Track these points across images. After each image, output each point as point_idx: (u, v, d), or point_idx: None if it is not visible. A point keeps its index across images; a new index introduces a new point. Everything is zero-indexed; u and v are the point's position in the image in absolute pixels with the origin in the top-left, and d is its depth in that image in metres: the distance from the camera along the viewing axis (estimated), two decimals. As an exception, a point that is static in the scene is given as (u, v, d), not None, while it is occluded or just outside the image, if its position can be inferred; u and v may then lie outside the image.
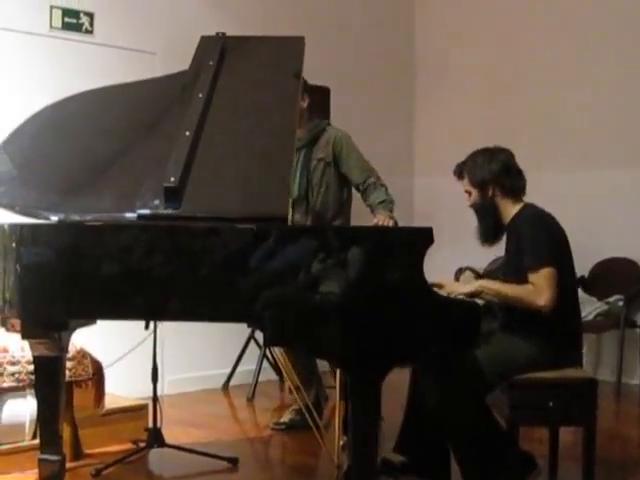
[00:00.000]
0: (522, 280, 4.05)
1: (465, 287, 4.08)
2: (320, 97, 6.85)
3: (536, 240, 4.08)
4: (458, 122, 8.26)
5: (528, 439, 4.57)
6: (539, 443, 4.71)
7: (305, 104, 5.34)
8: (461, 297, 3.91)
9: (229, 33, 4.49)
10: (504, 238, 4.33)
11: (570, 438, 4.76)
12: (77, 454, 4.83)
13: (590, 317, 6.79)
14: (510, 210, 4.26)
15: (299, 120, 4.89)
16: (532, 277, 4.01)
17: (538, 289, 3.99)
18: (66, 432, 4.54)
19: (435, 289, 3.73)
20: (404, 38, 8.64)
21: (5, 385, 4.53)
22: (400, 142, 8.60)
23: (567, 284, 4.12)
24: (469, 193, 4.33)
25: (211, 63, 4.23)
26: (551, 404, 4.02)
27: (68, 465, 4.29)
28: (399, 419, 4.43)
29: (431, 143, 8.53)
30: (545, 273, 3.99)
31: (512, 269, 4.22)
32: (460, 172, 4.36)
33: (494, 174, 4.24)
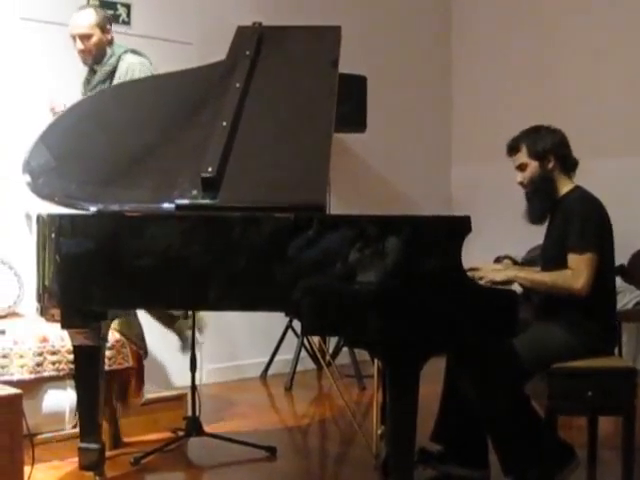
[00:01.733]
0: (560, 265, 4.04)
1: (497, 274, 4.06)
2: (357, 86, 6.84)
3: (585, 222, 4.05)
4: (496, 109, 8.19)
5: (567, 427, 4.55)
6: (578, 432, 4.68)
7: (109, 37, 5.20)
8: (499, 285, 3.91)
9: (265, 23, 4.49)
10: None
11: (609, 427, 4.74)
12: (116, 443, 4.87)
13: (630, 305, 6.73)
14: (563, 187, 4.23)
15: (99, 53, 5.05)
16: (573, 258, 4.00)
17: (576, 272, 3.97)
18: (105, 421, 4.56)
19: (470, 273, 3.72)
20: (441, 24, 8.59)
21: (45, 374, 4.56)
22: (438, 130, 8.56)
23: (607, 272, 4.10)
24: (523, 167, 4.27)
25: (248, 53, 4.24)
26: (590, 393, 3.99)
27: (107, 454, 4.34)
28: (436, 408, 4.42)
29: (469, 131, 8.48)
30: (587, 257, 3.98)
31: (551, 249, 4.21)
32: (516, 145, 4.30)
33: (556, 145, 4.22)
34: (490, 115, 8.25)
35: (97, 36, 5.10)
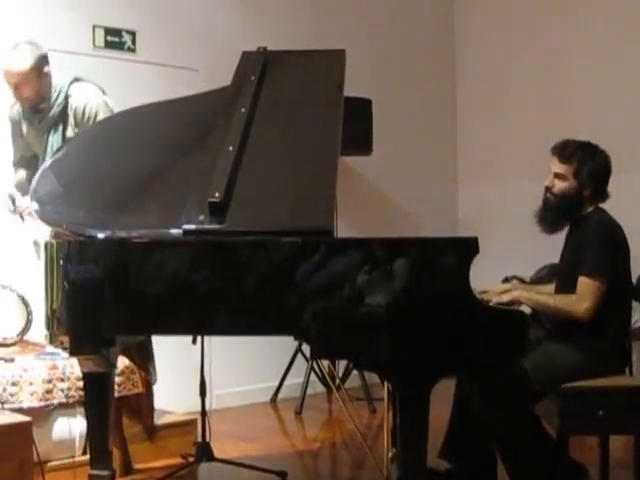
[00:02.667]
0: (573, 287, 4.03)
1: (503, 296, 4.05)
2: (362, 109, 6.86)
3: (600, 248, 4.06)
4: (501, 129, 8.21)
5: (579, 447, 4.53)
6: (590, 451, 4.66)
7: (48, 77, 4.91)
8: (506, 306, 3.91)
9: (270, 47, 4.51)
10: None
11: (621, 446, 4.72)
12: (127, 469, 4.86)
13: (638, 324, 6.72)
14: (585, 207, 4.23)
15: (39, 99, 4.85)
16: (582, 281, 4.01)
17: (581, 297, 3.98)
18: (116, 448, 4.56)
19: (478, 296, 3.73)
20: (444, 46, 8.62)
21: (55, 401, 4.56)
22: (443, 149, 8.57)
23: (622, 294, 4.10)
24: (560, 178, 4.22)
25: (253, 78, 4.25)
26: (601, 413, 3.98)
27: (118, 480, 4.33)
28: (444, 428, 4.41)
29: (474, 151, 8.49)
30: (595, 284, 3.98)
31: (567, 271, 4.21)
32: (567, 155, 4.22)
33: (600, 175, 4.20)
34: (495, 135, 8.26)
35: (35, 81, 4.82)
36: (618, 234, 4.14)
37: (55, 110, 4.89)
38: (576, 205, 4.22)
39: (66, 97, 4.90)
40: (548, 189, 4.27)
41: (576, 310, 3.97)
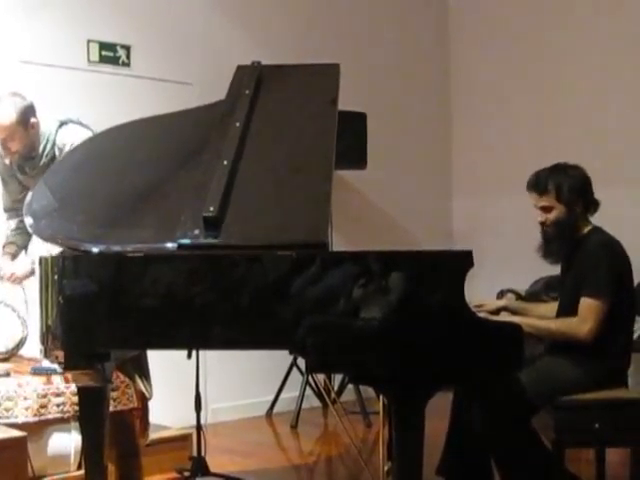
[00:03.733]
0: (572, 303, 4.04)
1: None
2: (356, 122, 6.87)
3: (603, 270, 4.05)
4: (496, 143, 8.23)
5: (575, 460, 4.53)
6: (586, 464, 4.66)
7: (35, 128, 4.80)
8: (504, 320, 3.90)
9: (264, 61, 4.51)
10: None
11: (617, 459, 4.72)
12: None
13: (635, 336, 6.72)
14: (582, 227, 4.23)
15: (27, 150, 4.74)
16: (584, 302, 4.01)
17: (582, 319, 3.98)
18: (111, 462, 4.54)
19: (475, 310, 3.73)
20: (440, 62, 8.64)
21: (50, 417, 4.54)
22: (438, 165, 8.59)
23: (624, 314, 4.10)
24: (547, 210, 4.23)
25: (247, 92, 4.25)
26: (597, 425, 3.98)
27: (114, 495, 4.31)
28: (441, 443, 4.41)
29: (469, 165, 8.51)
30: (597, 305, 3.98)
31: (569, 295, 4.19)
32: (544, 187, 4.21)
33: (582, 188, 4.20)
34: (490, 148, 8.28)
35: (22, 134, 4.73)
36: (619, 253, 4.14)
37: (44, 160, 4.79)
38: (574, 226, 4.22)
39: (53, 145, 4.80)
40: (543, 224, 4.28)
41: (578, 333, 3.98)
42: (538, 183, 4.25)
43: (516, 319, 4.07)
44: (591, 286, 4.03)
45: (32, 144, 4.79)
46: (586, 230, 4.23)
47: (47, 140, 4.80)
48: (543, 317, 4.28)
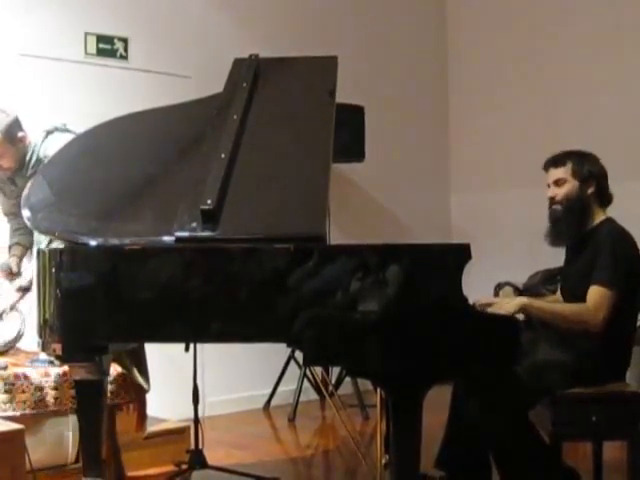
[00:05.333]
0: (579, 292, 4.03)
1: (508, 307, 3.99)
2: (354, 116, 6.86)
3: (617, 259, 4.02)
4: (494, 137, 8.23)
5: (572, 453, 4.53)
6: (583, 457, 4.66)
7: (22, 142, 4.76)
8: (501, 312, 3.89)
9: (262, 54, 4.51)
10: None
11: (614, 452, 4.71)
12: (120, 478, 4.84)
13: (633, 329, 6.73)
14: (595, 216, 4.20)
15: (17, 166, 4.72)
16: (597, 291, 3.97)
17: (597, 307, 3.94)
18: (108, 455, 4.54)
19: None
20: (438, 55, 8.64)
21: (48, 409, 4.54)
22: (436, 158, 8.59)
23: (630, 306, 4.09)
24: (560, 184, 4.20)
25: (245, 85, 4.25)
26: (594, 419, 3.98)
27: (111, 488, 4.32)
28: (440, 436, 4.41)
29: (467, 159, 8.51)
30: (611, 295, 3.95)
31: (579, 280, 4.14)
32: (562, 160, 4.21)
33: (601, 173, 4.20)
34: (488, 143, 8.28)
35: (11, 150, 4.71)
36: (632, 244, 4.12)
37: (31, 172, 4.71)
38: (585, 205, 4.19)
39: (38, 160, 4.74)
40: (552, 200, 4.24)
41: (592, 319, 3.94)
42: (556, 158, 4.25)
43: (523, 300, 4.03)
44: (605, 274, 3.98)
45: (23, 157, 4.76)
46: (599, 220, 4.20)
47: (33, 151, 4.77)
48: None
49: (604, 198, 4.23)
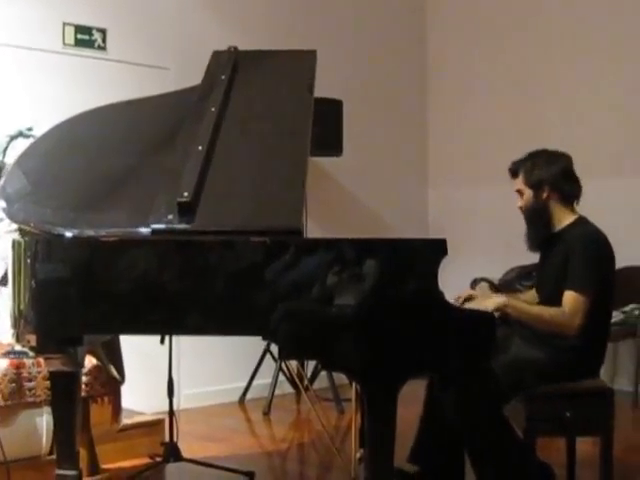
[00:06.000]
0: (555, 300, 4.04)
1: (486, 303, 3.99)
2: (332, 109, 6.86)
3: (588, 262, 4.04)
4: (473, 132, 8.24)
5: (546, 449, 4.56)
6: (557, 453, 4.68)
7: None
8: (476, 308, 3.91)
9: (241, 47, 4.50)
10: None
11: (587, 448, 4.74)
12: (94, 470, 4.83)
13: (609, 326, 6.76)
14: (563, 218, 4.21)
15: None
16: (572, 296, 3.99)
17: (571, 313, 3.96)
18: (82, 447, 4.53)
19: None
20: (417, 49, 8.64)
21: (22, 401, 4.53)
22: (414, 153, 8.60)
23: (604, 309, 4.10)
24: (521, 193, 4.25)
25: (223, 77, 4.25)
26: (568, 414, 4.00)
27: (85, 480, 4.30)
28: (414, 430, 4.42)
29: (445, 154, 8.52)
30: (584, 300, 3.97)
31: (552, 280, 4.17)
32: (516, 170, 4.26)
33: (552, 176, 4.18)
34: (467, 138, 8.30)
35: None
36: (605, 246, 4.12)
37: None
38: (543, 211, 4.21)
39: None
40: (520, 210, 4.30)
41: (569, 325, 3.96)
42: (512, 167, 4.30)
43: (502, 299, 4.06)
44: (580, 280, 3.99)
45: None
46: (568, 221, 4.21)
47: None
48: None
49: (566, 198, 4.23)
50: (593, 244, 4.11)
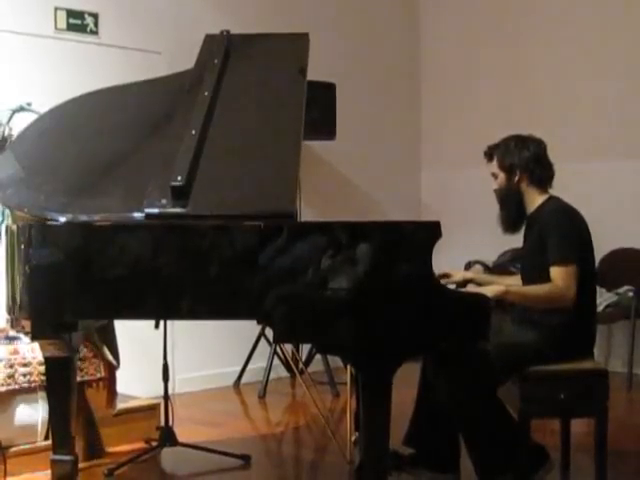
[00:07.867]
0: (539, 273, 4.05)
1: (485, 290, 3.99)
2: (326, 93, 6.84)
3: (564, 235, 4.08)
4: (465, 115, 8.24)
5: (540, 431, 4.57)
6: (551, 435, 4.70)
7: None
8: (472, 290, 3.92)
9: (233, 31, 4.49)
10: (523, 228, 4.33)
11: (582, 429, 4.76)
12: (95, 453, 4.84)
13: (600, 308, 6.76)
14: (534, 200, 4.26)
15: None
16: (558, 271, 4.01)
17: (565, 285, 3.98)
18: (78, 433, 4.54)
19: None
20: (410, 33, 8.62)
21: (17, 386, 4.53)
22: (407, 136, 8.59)
23: (588, 280, 4.12)
24: (495, 176, 4.32)
25: (216, 61, 4.24)
26: (562, 396, 4.01)
27: (81, 465, 4.30)
28: (409, 413, 4.43)
29: (438, 137, 8.52)
30: (571, 269, 3.99)
31: (530, 260, 4.24)
32: (491, 154, 4.34)
33: (524, 160, 4.23)
34: (459, 120, 8.29)
35: None
36: (576, 218, 4.17)
37: None
38: (516, 194, 4.26)
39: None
40: (495, 192, 4.36)
41: (566, 296, 3.98)
42: (487, 151, 4.38)
43: (500, 288, 4.01)
44: (558, 253, 4.03)
45: None
46: (539, 202, 4.25)
47: None
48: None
49: (537, 181, 4.27)
50: (564, 215, 4.17)
